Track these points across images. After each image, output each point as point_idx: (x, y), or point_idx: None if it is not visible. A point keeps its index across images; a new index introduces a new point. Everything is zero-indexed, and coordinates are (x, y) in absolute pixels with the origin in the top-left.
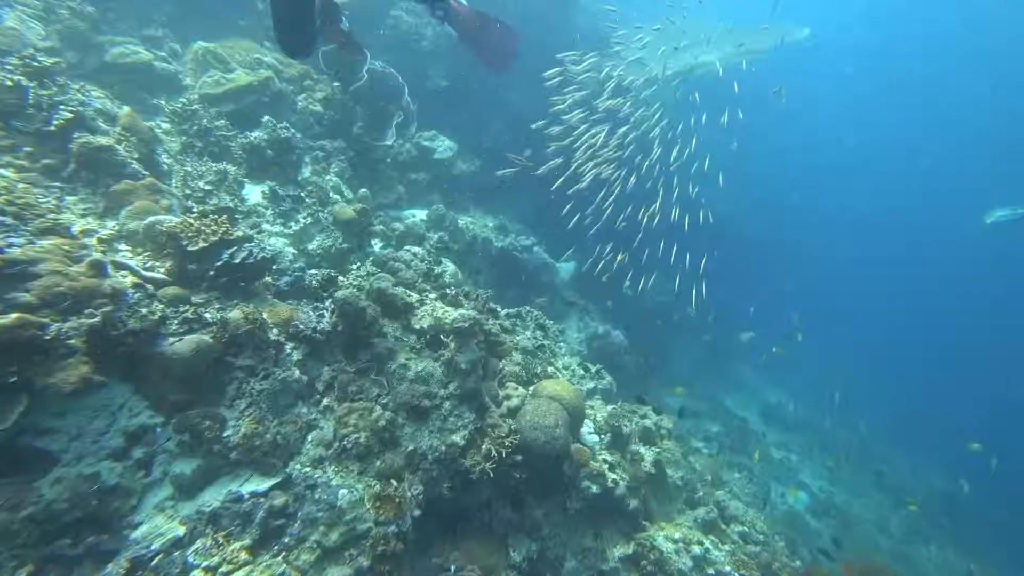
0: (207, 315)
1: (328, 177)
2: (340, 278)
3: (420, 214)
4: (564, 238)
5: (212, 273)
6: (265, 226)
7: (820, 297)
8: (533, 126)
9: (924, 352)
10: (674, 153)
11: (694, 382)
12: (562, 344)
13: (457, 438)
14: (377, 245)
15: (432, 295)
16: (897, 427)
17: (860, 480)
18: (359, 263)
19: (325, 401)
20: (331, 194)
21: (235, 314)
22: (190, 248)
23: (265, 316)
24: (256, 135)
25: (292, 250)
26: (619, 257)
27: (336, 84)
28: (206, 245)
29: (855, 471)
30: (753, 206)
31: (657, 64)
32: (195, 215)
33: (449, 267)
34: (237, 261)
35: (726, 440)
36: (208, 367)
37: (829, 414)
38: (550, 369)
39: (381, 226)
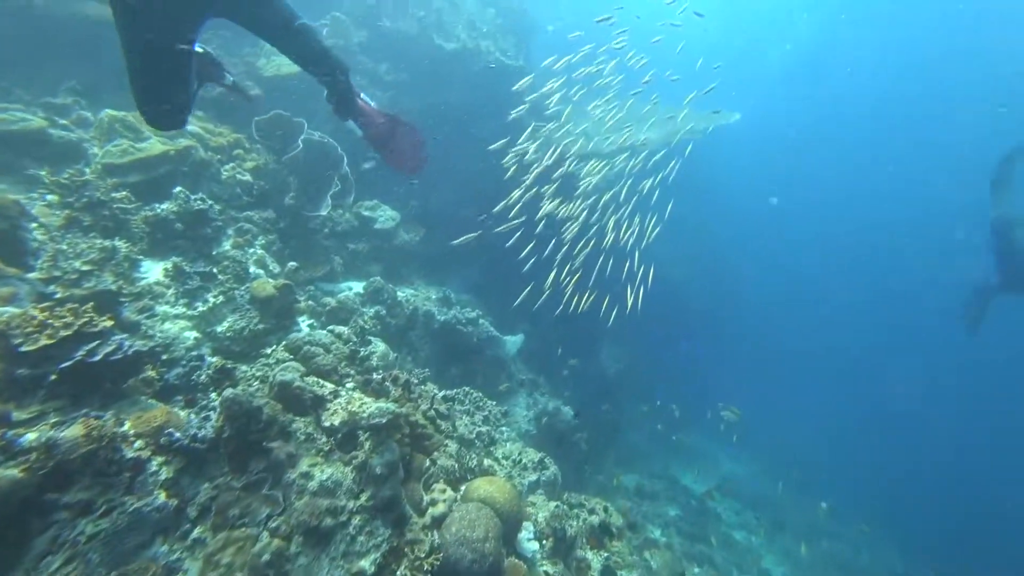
0: (29, 436)
1: (252, 250)
2: (243, 367)
3: (357, 286)
4: (516, 290)
5: (54, 378)
6: (163, 308)
7: (777, 369)
8: (491, 148)
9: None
10: (624, 220)
11: (652, 457)
12: (504, 429)
13: (365, 564)
14: (305, 323)
15: (351, 383)
16: (855, 501)
17: (822, 565)
18: (273, 347)
19: (196, 532)
20: (253, 268)
21: (72, 431)
22: (25, 348)
23: (127, 426)
24: (164, 207)
25: (194, 335)
26: (572, 279)
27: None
28: (49, 342)
29: (816, 555)
30: (704, 276)
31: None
32: (44, 305)
33: (379, 347)
34: (98, 358)
35: (684, 525)
36: (8, 515)
37: (787, 490)
38: (487, 462)
39: (310, 301)
